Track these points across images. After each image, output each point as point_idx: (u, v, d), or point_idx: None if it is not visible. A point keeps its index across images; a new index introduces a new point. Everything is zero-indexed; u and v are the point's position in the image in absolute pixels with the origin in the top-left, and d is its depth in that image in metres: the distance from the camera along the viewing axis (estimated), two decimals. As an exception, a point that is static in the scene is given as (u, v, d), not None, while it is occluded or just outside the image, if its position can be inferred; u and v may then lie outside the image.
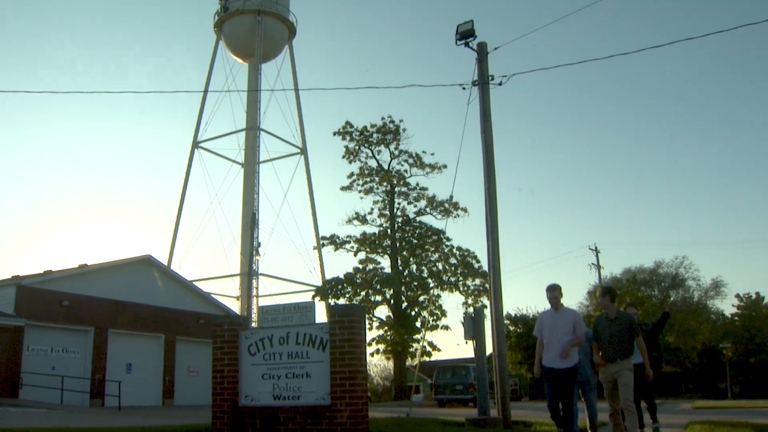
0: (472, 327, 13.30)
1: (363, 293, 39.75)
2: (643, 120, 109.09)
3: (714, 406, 27.08)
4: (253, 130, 48.16)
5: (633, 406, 8.22)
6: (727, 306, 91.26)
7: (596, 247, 46.37)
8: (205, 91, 49.53)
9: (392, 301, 40.33)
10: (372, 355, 40.74)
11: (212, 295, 35.56)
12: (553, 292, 8.72)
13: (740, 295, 61.20)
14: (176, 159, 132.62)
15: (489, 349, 13.16)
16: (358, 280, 39.79)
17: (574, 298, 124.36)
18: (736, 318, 60.12)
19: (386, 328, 40.15)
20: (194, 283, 34.49)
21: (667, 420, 16.07)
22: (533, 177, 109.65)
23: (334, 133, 42.12)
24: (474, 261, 40.37)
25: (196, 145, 49.29)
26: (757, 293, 60.93)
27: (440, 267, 41.05)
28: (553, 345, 8.48)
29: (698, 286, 60.19)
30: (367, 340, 14.52)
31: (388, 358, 42.72)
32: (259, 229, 41.01)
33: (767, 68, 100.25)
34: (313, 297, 39.76)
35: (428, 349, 39.78)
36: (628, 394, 8.16)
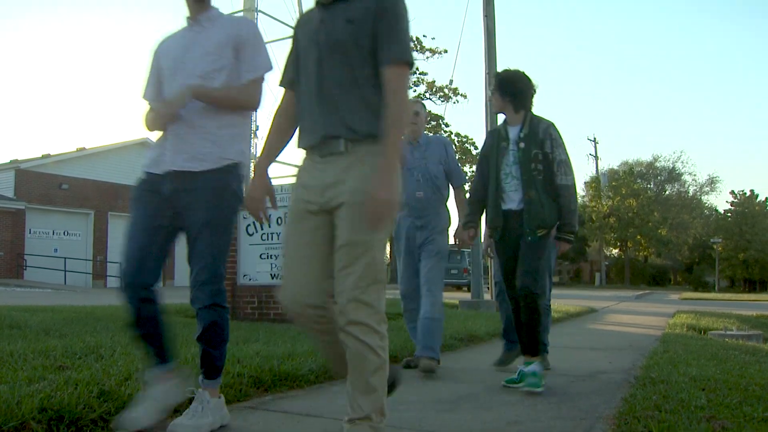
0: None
1: (360, 179, 39.95)
2: (647, 9, 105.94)
3: (701, 298, 27.93)
4: (250, 11, 46.58)
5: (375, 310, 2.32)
6: (721, 202, 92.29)
7: (595, 138, 46.15)
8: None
9: (389, 187, 40.53)
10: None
11: (210, 180, 35.66)
12: None
13: (735, 191, 61.72)
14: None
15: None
16: (356, 166, 39.91)
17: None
18: (729, 214, 60.85)
19: (383, 212, 40.46)
20: (192, 168, 34.39)
21: (656, 309, 16.60)
22: (535, 64, 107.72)
23: (334, 17, 41.03)
24: (472, 147, 40.35)
25: (191, 27, 48.12)
26: (752, 190, 61.53)
27: (438, 152, 41.06)
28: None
29: (694, 181, 60.74)
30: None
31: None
32: (257, 113, 40.67)
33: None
34: (311, 183, 39.92)
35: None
36: (364, 278, 2.28)
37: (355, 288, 2.25)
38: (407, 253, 5.01)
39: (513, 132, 4.23)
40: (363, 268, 2.26)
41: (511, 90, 4.24)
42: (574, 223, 4.12)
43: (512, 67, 4.41)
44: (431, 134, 5.22)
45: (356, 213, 2.29)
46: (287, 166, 46.21)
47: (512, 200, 4.16)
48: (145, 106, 3.08)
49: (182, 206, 2.90)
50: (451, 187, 5.05)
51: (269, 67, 3.02)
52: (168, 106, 2.89)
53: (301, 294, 2.40)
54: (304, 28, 2.56)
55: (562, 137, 4.18)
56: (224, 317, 2.90)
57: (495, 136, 4.34)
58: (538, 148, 4.11)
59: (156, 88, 3.07)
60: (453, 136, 41.37)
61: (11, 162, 26.43)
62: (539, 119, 4.21)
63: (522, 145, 4.13)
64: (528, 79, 4.28)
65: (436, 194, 4.94)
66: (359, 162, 2.35)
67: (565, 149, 4.15)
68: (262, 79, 3.00)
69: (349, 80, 2.38)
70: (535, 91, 4.31)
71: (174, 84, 2.94)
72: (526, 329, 4.06)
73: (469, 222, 4.47)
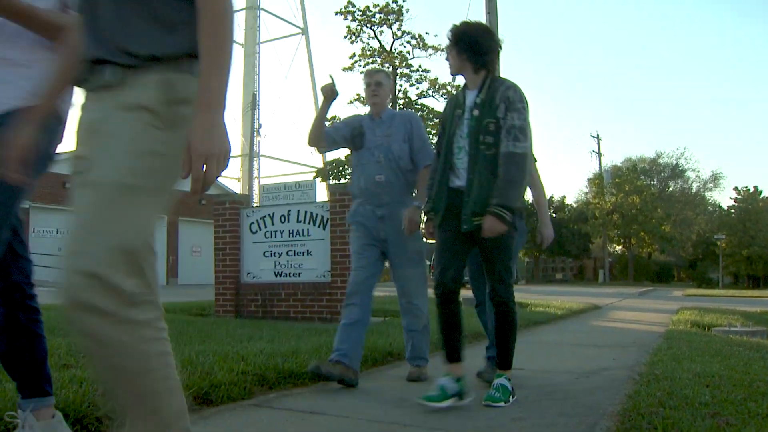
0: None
1: (364, 174, 39.96)
2: (651, 5, 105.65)
3: (704, 295, 27.86)
4: (252, 9, 46.83)
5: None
6: (725, 198, 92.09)
7: (598, 135, 46.09)
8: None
9: (392, 183, 40.57)
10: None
11: (214, 177, 35.71)
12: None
13: (738, 188, 61.55)
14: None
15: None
16: (359, 162, 39.94)
17: (574, 186, 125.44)
18: (733, 210, 60.70)
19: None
20: (195, 165, 34.42)
21: (660, 306, 16.57)
22: (537, 61, 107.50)
23: (336, 13, 41.13)
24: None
25: (193, 25, 48.07)
26: (755, 187, 61.22)
27: (441, 152, 41.17)
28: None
29: (697, 177, 60.50)
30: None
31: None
32: (259, 111, 40.67)
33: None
34: (314, 178, 39.98)
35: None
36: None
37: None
38: (364, 244, 4.26)
39: (470, 97, 3.50)
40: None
41: (469, 46, 3.46)
42: (510, 196, 3.21)
43: (472, 20, 3.66)
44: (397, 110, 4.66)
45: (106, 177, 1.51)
46: (288, 165, 45.68)
47: (463, 178, 3.43)
48: None
49: None
50: (418, 168, 4.29)
51: None
52: None
53: None
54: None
55: (526, 101, 3.39)
56: None
57: (452, 103, 3.66)
58: (492, 117, 3.34)
59: None
60: (456, 134, 41.46)
61: (15, 160, 26.43)
62: (501, 81, 3.45)
63: (476, 113, 3.40)
64: (491, 34, 3.57)
65: (400, 179, 4.24)
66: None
67: (523, 114, 3.32)
68: None
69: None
70: (500, 49, 3.53)
71: None
72: (498, 340, 3.54)
73: (428, 212, 3.65)
